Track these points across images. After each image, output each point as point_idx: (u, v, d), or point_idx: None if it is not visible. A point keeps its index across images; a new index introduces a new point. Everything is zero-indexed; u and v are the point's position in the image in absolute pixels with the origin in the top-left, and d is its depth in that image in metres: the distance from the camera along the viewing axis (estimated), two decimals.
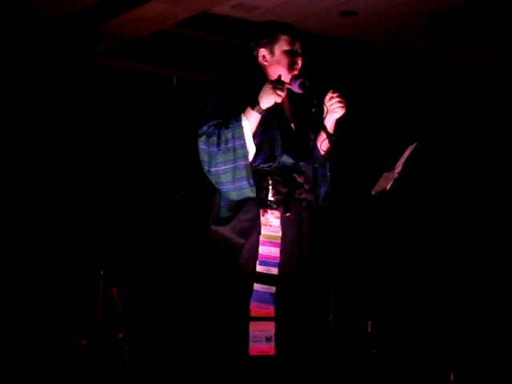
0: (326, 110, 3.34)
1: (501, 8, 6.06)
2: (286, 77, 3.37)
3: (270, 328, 3.26)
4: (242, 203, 3.28)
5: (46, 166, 6.09)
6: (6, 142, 5.98)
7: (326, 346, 4.55)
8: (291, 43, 3.40)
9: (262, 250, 3.26)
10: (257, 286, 3.25)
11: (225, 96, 3.34)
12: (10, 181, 5.96)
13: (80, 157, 6.21)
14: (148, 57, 6.88)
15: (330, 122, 3.40)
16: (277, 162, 3.31)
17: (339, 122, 3.45)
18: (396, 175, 3.99)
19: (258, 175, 3.29)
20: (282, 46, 3.40)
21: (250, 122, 3.24)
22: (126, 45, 6.65)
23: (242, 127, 3.21)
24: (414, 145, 3.98)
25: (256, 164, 3.29)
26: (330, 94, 3.36)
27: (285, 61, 3.38)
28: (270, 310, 3.27)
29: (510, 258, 7.63)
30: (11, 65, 6.06)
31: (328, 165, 3.50)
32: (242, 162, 3.22)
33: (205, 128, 3.25)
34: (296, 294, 3.37)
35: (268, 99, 3.24)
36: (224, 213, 3.30)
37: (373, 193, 4.10)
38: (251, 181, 3.23)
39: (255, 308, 3.25)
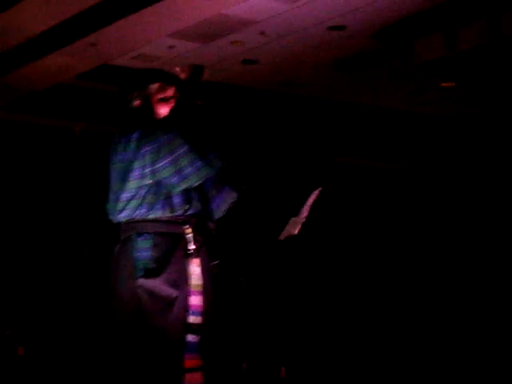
0: None
1: (397, 53, 6.25)
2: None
3: (199, 378, 3.21)
4: (169, 253, 3.19)
5: None
6: None
7: None
8: (164, 90, 3.37)
9: (191, 300, 3.20)
10: (188, 337, 3.19)
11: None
12: None
13: None
14: (48, 109, 6.80)
15: None
16: (191, 208, 3.26)
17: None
18: (303, 220, 4.04)
19: (174, 223, 3.23)
20: (155, 95, 3.37)
21: None
22: (25, 97, 6.56)
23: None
24: (319, 190, 4.05)
25: (173, 209, 3.23)
26: None
27: (160, 110, 3.36)
28: (198, 359, 3.21)
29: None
30: None
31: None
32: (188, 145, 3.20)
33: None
34: (217, 341, 3.32)
35: None
36: (149, 265, 3.17)
37: (281, 238, 4.13)
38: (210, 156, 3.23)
39: (187, 360, 3.18)
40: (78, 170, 6.72)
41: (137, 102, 3.36)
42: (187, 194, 3.26)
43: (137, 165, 3.20)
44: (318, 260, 7.35)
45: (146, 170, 3.20)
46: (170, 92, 3.37)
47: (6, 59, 5.90)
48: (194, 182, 3.21)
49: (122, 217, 3.26)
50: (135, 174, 3.21)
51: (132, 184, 3.22)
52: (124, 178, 3.23)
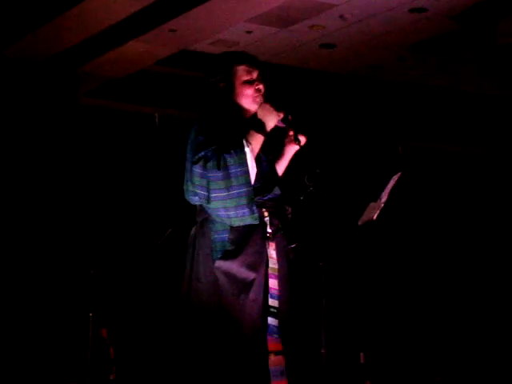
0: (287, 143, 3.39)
1: (476, 36, 6.13)
2: (251, 107, 3.33)
3: (281, 362, 3.20)
4: (247, 236, 3.18)
5: (31, 207, 6.07)
6: None
7: (320, 380, 4.53)
8: (249, 72, 3.35)
9: (271, 283, 3.20)
10: (270, 320, 3.18)
11: (208, 125, 3.30)
12: None
13: (65, 198, 6.19)
14: (129, 96, 6.90)
15: (288, 155, 3.43)
16: (269, 193, 3.27)
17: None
18: (382, 205, 4.00)
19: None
20: (239, 77, 3.34)
21: (253, 146, 3.18)
22: (107, 85, 6.67)
23: (244, 153, 3.13)
24: (399, 174, 4.00)
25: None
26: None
27: (246, 91, 3.33)
28: (279, 343, 3.20)
29: (501, 286, 7.65)
30: None
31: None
32: (244, 189, 3.11)
33: (202, 153, 3.12)
34: (295, 326, 3.32)
35: (271, 119, 3.21)
36: (228, 247, 3.17)
37: (359, 223, 4.10)
38: (254, 208, 3.13)
39: (270, 343, 3.17)
40: (158, 155, 6.81)
41: (221, 84, 3.35)
42: (265, 178, 3.28)
43: None
44: (397, 245, 7.28)
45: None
46: (254, 74, 3.36)
47: (87, 47, 6.01)
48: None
49: (197, 199, 3.25)
50: None
51: None
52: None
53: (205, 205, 3.18)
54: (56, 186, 6.17)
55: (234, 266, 3.16)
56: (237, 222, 3.16)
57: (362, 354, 5.51)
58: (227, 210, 3.13)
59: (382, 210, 4.00)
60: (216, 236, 3.20)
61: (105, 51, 6.04)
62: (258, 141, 3.21)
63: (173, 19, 5.45)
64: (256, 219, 3.16)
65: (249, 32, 6.10)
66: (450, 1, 5.57)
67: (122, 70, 6.36)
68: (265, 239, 3.22)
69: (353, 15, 5.80)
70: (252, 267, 3.17)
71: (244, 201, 3.12)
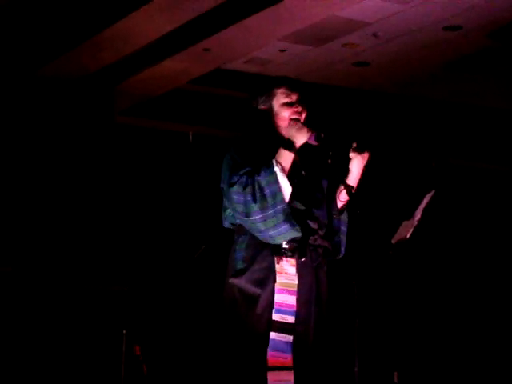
0: (352, 157, 3.37)
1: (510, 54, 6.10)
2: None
3: (288, 378, 3.21)
4: (257, 253, 3.25)
5: (67, 226, 6.12)
6: (29, 204, 6.04)
7: None
8: (288, 95, 3.41)
9: (278, 298, 3.22)
10: (273, 335, 3.20)
11: (245, 147, 3.36)
12: (32, 240, 6.00)
13: (101, 215, 6.24)
14: (163, 114, 6.96)
15: (355, 171, 3.41)
16: (288, 208, 3.29)
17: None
18: (416, 223, 3.99)
19: None
20: (279, 99, 3.40)
21: (283, 163, 3.24)
22: (142, 103, 6.73)
23: (274, 173, 3.20)
24: (432, 192, 3.98)
25: None
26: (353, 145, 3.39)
27: (284, 114, 3.39)
28: (288, 359, 3.20)
29: None
30: (31, 128, 6.16)
31: (345, 218, 3.48)
32: (279, 207, 3.19)
33: (235, 178, 3.22)
34: (316, 343, 3.32)
35: (301, 136, 3.26)
36: (240, 264, 3.27)
37: (393, 242, 4.09)
38: (293, 221, 3.20)
39: (272, 357, 3.19)
40: (192, 172, 6.84)
41: (262, 107, 3.43)
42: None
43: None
44: (430, 264, 7.23)
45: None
46: (294, 97, 3.41)
47: (122, 66, 6.08)
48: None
49: (226, 225, 3.37)
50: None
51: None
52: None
53: (246, 226, 3.27)
54: (92, 204, 6.22)
55: (243, 282, 3.24)
56: (280, 239, 3.23)
57: (395, 374, 5.47)
58: (268, 230, 3.21)
59: (416, 228, 3.98)
60: (236, 254, 3.30)
61: (140, 70, 6.11)
62: (287, 159, 3.26)
63: (207, 38, 5.50)
64: (298, 231, 3.22)
65: (282, 50, 6.12)
66: (484, 18, 5.55)
67: (156, 88, 6.42)
68: (278, 255, 3.25)
69: (386, 33, 5.81)
70: (258, 283, 3.23)
71: (281, 218, 3.19)
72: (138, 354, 5.56)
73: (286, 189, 3.22)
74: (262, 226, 3.20)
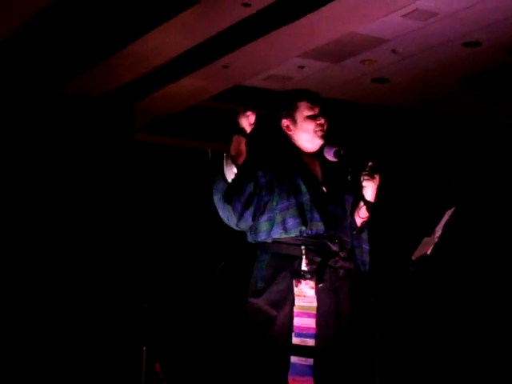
0: (362, 180, 3.35)
1: None
2: (313, 141, 3.40)
3: None
4: (276, 274, 3.23)
5: (87, 243, 6.15)
6: (50, 222, 6.07)
7: None
8: (311, 108, 3.43)
9: (297, 321, 3.18)
10: (293, 359, 3.17)
11: (249, 164, 3.40)
12: (53, 257, 6.02)
13: (120, 232, 6.26)
14: (183, 131, 6.98)
15: (369, 191, 3.39)
16: (309, 229, 3.27)
17: (380, 186, 3.43)
18: (436, 240, 3.96)
19: (290, 244, 3.25)
20: (302, 112, 3.42)
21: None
22: (161, 120, 6.76)
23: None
24: (453, 209, 3.96)
25: (286, 231, 3.27)
26: (367, 168, 3.37)
27: (308, 127, 3.41)
28: (309, 382, 3.18)
29: None
30: (51, 146, 6.20)
31: (365, 236, 3.46)
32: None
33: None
34: (336, 365, 3.28)
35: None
36: (259, 283, 3.25)
37: (413, 258, 4.06)
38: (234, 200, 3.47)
39: (293, 381, 3.16)
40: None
41: (284, 121, 3.44)
42: (303, 216, 3.28)
43: None
44: (451, 281, 7.19)
45: None
46: (316, 110, 3.43)
47: (142, 83, 6.11)
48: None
49: (250, 239, 3.36)
50: None
51: None
52: None
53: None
54: (112, 221, 6.24)
55: (260, 303, 3.22)
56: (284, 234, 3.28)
57: None
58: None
59: (437, 245, 3.96)
60: (256, 273, 3.30)
61: (159, 87, 6.13)
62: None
63: (226, 55, 5.52)
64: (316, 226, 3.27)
65: (301, 67, 6.14)
66: (504, 34, 5.54)
67: (175, 105, 6.45)
68: (297, 277, 3.22)
69: (405, 49, 5.80)
70: (275, 305, 3.20)
71: (295, 213, 3.28)
72: (158, 370, 5.55)
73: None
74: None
